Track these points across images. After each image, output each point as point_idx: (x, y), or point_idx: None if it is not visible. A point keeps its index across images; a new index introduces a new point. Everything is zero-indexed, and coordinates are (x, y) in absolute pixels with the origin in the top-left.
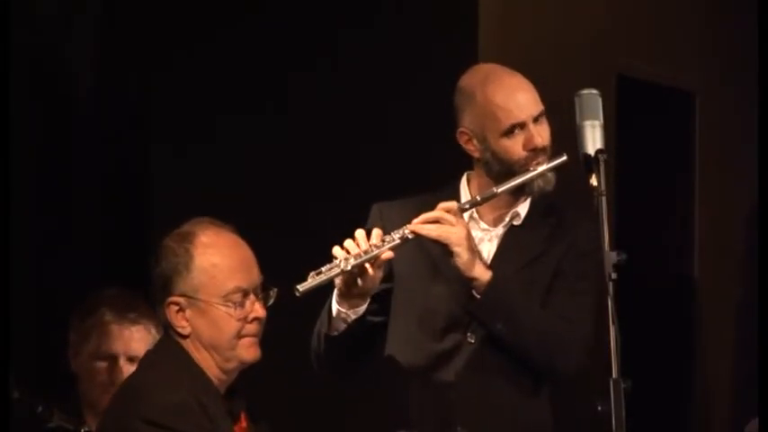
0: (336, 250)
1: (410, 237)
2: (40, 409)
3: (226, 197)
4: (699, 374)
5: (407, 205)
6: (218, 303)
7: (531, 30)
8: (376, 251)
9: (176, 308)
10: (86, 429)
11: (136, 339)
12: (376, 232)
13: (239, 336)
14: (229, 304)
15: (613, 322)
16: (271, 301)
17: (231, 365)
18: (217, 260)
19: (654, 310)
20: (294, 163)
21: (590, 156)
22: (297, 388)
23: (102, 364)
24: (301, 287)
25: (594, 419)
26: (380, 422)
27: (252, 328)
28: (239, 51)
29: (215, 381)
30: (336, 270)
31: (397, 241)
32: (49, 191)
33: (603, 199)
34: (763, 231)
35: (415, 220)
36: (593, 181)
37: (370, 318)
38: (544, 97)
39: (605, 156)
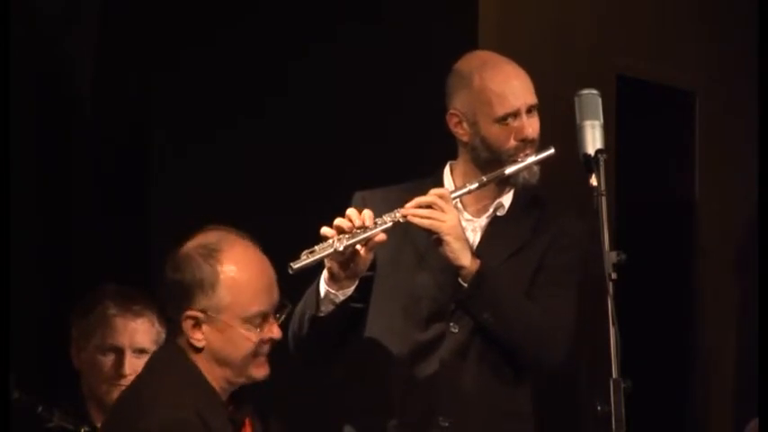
0: (325, 229)
1: (401, 221)
2: (40, 409)
3: (226, 197)
4: (699, 374)
5: (391, 194)
6: (238, 326)
7: (531, 30)
8: (369, 232)
9: (193, 321)
10: (86, 429)
11: (140, 332)
12: (368, 213)
13: (253, 355)
14: (249, 326)
15: (613, 322)
16: (282, 318)
17: (239, 380)
18: (242, 282)
19: (654, 310)
20: (295, 162)
21: (590, 156)
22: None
23: (108, 358)
24: (295, 265)
25: (594, 419)
26: (361, 411)
27: (266, 348)
28: (239, 50)
29: (219, 391)
30: (329, 249)
31: (389, 224)
32: (49, 190)
33: (603, 199)
34: (764, 231)
35: (408, 205)
36: (593, 181)
37: (351, 304)
38: (544, 98)
39: (605, 156)
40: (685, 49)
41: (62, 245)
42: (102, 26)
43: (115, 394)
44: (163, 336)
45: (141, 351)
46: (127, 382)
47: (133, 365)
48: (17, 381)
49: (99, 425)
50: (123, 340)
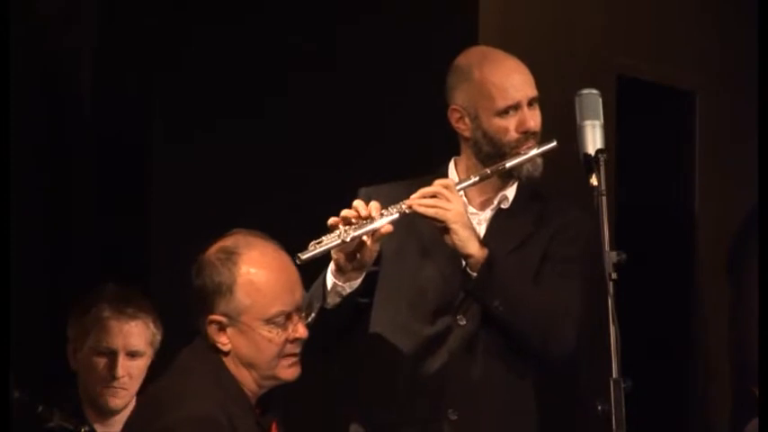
0: (333, 219)
1: (407, 212)
2: (40, 409)
3: (226, 197)
4: (699, 374)
5: (395, 189)
6: (260, 327)
7: (531, 29)
8: (375, 223)
9: (217, 326)
10: (86, 429)
11: (135, 334)
12: (374, 204)
13: (280, 356)
14: (272, 327)
15: (613, 322)
16: (310, 318)
17: (269, 382)
18: (261, 284)
19: (654, 309)
20: (295, 162)
21: (590, 156)
22: None
23: (102, 360)
24: (303, 255)
25: (595, 419)
26: (369, 406)
27: (293, 347)
28: (239, 50)
29: (248, 393)
30: (337, 240)
31: (396, 215)
32: (49, 190)
33: (603, 199)
34: (764, 232)
35: (413, 196)
36: (594, 181)
37: (357, 299)
38: (544, 98)
39: (605, 156)
40: (685, 49)
41: (62, 245)
42: (102, 26)
43: (108, 396)
44: (158, 337)
45: (135, 353)
46: (120, 384)
47: (126, 368)
48: (17, 381)
49: (94, 425)
50: (117, 342)
